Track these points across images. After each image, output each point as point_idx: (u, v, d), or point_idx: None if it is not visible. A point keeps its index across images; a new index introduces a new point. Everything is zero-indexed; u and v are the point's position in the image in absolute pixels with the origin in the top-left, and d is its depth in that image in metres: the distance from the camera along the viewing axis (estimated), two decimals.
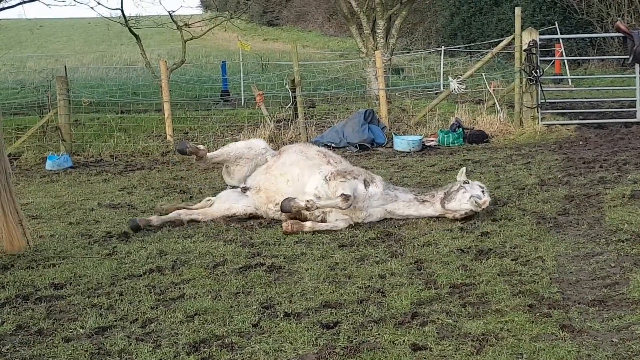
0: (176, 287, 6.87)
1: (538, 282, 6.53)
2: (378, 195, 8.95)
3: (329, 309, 6.11)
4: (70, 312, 6.32)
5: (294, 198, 8.81)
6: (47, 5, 34.20)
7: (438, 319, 5.79)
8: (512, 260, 7.23)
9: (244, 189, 9.53)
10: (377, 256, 7.62)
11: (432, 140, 15.81)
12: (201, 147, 9.68)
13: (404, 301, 6.19)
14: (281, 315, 6.00)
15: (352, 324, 5.77)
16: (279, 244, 8.28)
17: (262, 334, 5.65)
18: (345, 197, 8.58)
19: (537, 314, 5.77)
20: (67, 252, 8.29)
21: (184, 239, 8.63)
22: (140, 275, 7.28)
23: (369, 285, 6.66)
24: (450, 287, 6.52)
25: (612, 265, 6.95)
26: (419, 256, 7.53)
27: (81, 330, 5.89)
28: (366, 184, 8.93)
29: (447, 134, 15.65)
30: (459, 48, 32.08)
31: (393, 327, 5.66)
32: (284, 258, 7.69)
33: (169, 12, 23.70)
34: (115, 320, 6.08)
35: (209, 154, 9.73)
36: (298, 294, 6.51)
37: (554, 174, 11.47)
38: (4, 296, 6.78)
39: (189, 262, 7.66)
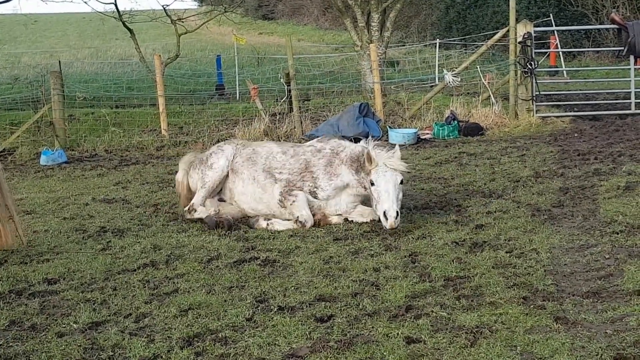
0: (170, 281, 6.86)
1: (532, 275, 6.53)
2: (331, 193, 8.87)
3: (323, 303, 6.10)
4: (64, 307, 6.30)
5: (257, 219, 8.89)
6: (43, 0, 34.10)
7: (432, 311, 5.78)
8: (506, 252, 7.23)
9: (220, 200, 9.44)
10: (371, 249, 7.61)
11: (427, 133, 15.80)
12: (213, 213, 9.25)
13: (398, 294, 6.18)
14: (275, 309, 5.99)
15: (346, 317, 5.76)
16: (273, 238, 8.27)
17: (256, 327, 5.64)
18: (300, 222, 8.66)
19: (532, 306, 5.77)
20: (61, 247, 8.26)
21: (178, 234, 8.61)
22: (134, 270, 7.26)
23: (363, 279, 6.65)
24: (444, 280, 6.52)
25: (607, 257, 6.95)
26: (413, 249, 7.52)
27: (75, 325, 5.87)
28: (312, 193, 8.87)
29: (442, 127, 15.64)
30: (454, 41, 32.04)
31: (387, 320, 5.66)
32: (278, 252, 7.68)
33: (163, 6, 23.62)
34: (109, 315, 6.06)
35: (210, 207, 9.39)
36: (292, 288, 6.50)
37: (548, 166, 11.47)
38: None
39: (183, 256, 7.65)
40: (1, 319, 6.07)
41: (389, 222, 8.15)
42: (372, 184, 8.46)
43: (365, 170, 8.59)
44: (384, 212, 8.20)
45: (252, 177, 9.10)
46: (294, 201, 8.75)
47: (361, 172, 8.68)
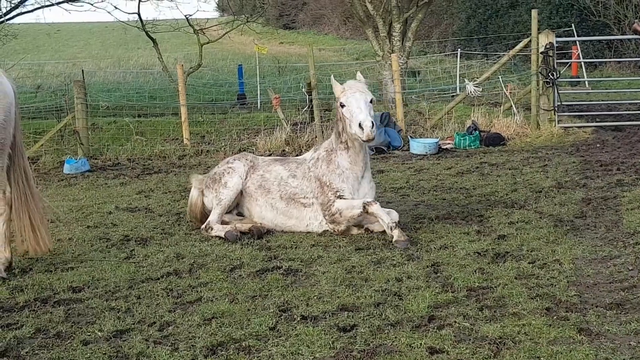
0: (193, 290, 6.90)
1: (555, 285, 6.52)
2: (350, 186, 8.90)
3: (346, 312, 6.11)
4: (89, 316, 6.35)
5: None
6: (67, 10, 34.42)
7: (455, 322, 5.78)
8: (529, 263, 7.22)
9: (239, 214, 9.50)
10: (393, 259, 7.62)
11: (449, 143, 15.79)
12: (231, 228, 9.15)
13: (420, 304, 6.19)
14: (298, 319, 6.01)
15: (369, 327, 5.78)
16: (296, 247, 8.30)
17: (280, 337, 5.67)
18: (368, 204, 8.62)
19: (555, 317, 5.76)
20: (85, 255, 8.33)
21: (200, 242, 8.66)
22: (158, 279, 7.31)
23: (385, 289, 6.66)
24: (467, 291, 6.51)
25: (630, 268, 6.92)
26: (435, 259, 7.52)
27: (99, 333, 5.92)
28: (340, 197, 8.85)
29: (464, 137, 15.62)
30: (475, 51, 32.01)
31: (410, 331, 5.67)
32: (301, 261, 7.70)
33: (185, 16, 23.81)
34: (133, 324, 6.11)
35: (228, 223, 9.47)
36: (315, 297, 6.53)
37: (571, 177, 11.43)
38: (23, 299, 6.83)
39: (206, 265, 7.69)
40: (27, 327, 6.13)
41: (365, 133, 8.28)
42: (343, 106, 8.62)
43: (337, 101, 8.78)
44: (359, 124, 8.30)
45: (269, 205, 9.18)
46: (341, 211, 8.76)
47: (346, 139, 8.81)
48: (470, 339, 5.45)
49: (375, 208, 8.51)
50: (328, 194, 8.84)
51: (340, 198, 8.78)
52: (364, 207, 8.57)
